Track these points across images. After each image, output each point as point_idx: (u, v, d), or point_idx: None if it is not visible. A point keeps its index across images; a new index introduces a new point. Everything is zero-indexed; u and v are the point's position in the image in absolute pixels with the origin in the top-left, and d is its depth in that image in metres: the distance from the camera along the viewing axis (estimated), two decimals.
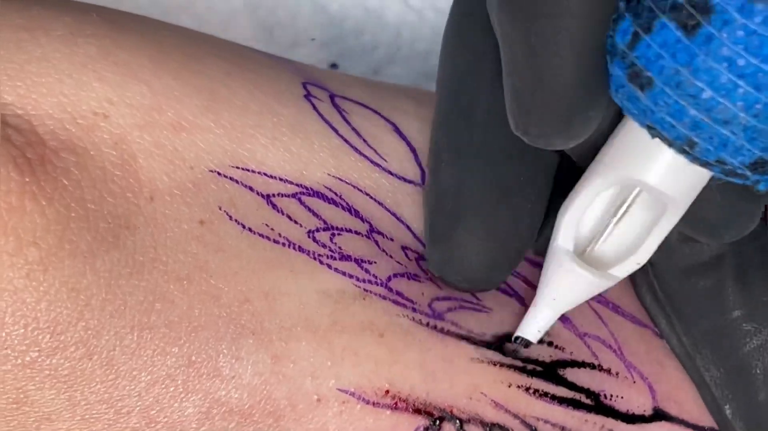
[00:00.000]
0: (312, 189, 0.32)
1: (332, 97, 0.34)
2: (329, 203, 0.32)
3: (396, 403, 0.30)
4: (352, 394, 0.30)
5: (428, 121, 0.34)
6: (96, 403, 0.29)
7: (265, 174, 0.31)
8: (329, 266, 0.31)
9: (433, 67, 0.45)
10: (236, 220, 0.30)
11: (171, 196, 0.30)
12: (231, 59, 0.33)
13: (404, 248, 0.32)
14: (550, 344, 0.32)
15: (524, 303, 0.33)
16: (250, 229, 0.30)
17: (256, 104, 0.32)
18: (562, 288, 0.31)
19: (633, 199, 0.30)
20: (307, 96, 0.33)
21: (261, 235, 0.30)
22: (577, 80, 0.27)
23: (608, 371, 0.33)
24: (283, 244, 0.31)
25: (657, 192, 0.29)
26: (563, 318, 0.33)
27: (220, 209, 0.30)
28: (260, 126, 0.32)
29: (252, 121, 0.32)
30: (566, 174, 0.32)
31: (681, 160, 0.27)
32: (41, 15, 0.31)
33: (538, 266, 0.33)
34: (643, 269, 0.33)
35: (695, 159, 0.27)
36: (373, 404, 0.30)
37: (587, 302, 0.33)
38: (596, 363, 0.33)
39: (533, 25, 0.27)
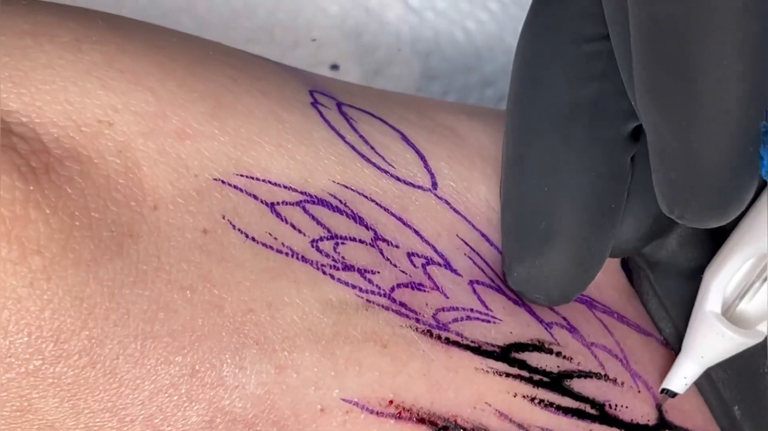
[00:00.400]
0: (316, 197, 0.32)
1: (339, 105, 0.34)
2: (334, 211, 0.32)
3: (400, 413, 0.30)
4: (356, 404, 0.30)
5: (434, 130, 0.34)
6: (99, 411, 0.29)
7: (270, 182, 0.31)
8: (332, 276, 0.31)
9: (433, 68, 0.45)
10: (239, 229, 0.30)
11: (174, 204, 0.30)
12: (237, 66, 0.33)
13: (410, 255, 0.32)
14: (558, 354, 0.32)
15: (534, 315, 0.33)
16: (253, 239, 0.30)
17: (262, 111, 0.32)
18: (711, 348, 0.32)
19: None
20: (314, 103, 0.33)
21: (264, 245, 0.30)
22: (736, 173, 0.28)
23: (614, 381, 0.33)
24: (287, 254, 0.31)
25: None
26: (571, 329, 0.33)
27: (223, 218, 0.30)
28: (265, 133, 0.32)
29: (257, 128, 0.32)
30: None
31: None
32: (46, 21, 0.31)
33: None
34: (645, 274, 0.34)
35: None
36: (377, 414, 0.30)
37: (593, 312, 0.33)
38: (603, 373, 0.33)
39: (693, 128, 0.27)
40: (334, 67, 0.45)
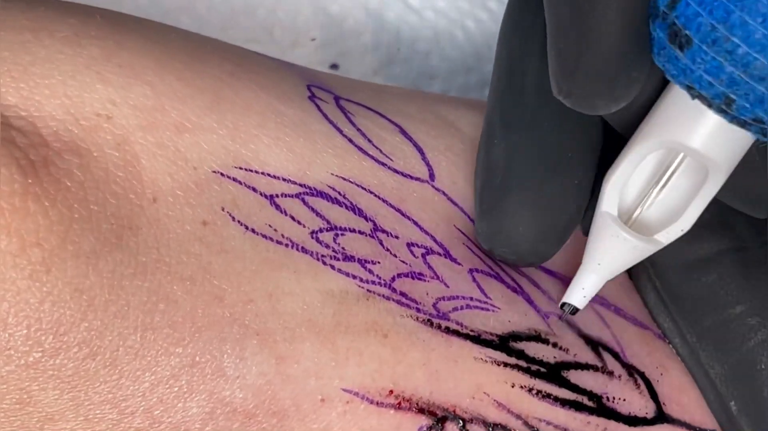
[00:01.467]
0: (315, 189, 0.32)
1: (337, 99, 0.34)
2: (333, 203, 0.32)
3: (400, 403, 0.30)
4: (356, 394, 0.30)
5: (432, 124, 0.35)
6: (100, 403, 0.29)
7: (269, 174, 0.31)
8: (332, 267, 0.31)
9: (432, 68, 0.46)
10: (239, 221, 0.30)
11: (174, 197, 0.30)
12: (235, 60, 0.33)
13: (410, 245, 0.32)
14: (554, 345, 0.32)
15: (532, 304, 0.33)
16: (253, 230, 0.30)
17: (260, 104, 0.32)
18: (608, 253, 0.31)
19: (677, 164, 0.30)
20: (312, 97, 0.33)
21: (264, 236, 0.31)
22: (622, 41, 0.28)
23: (611, 373, 0.33)
24: (287, 245, 0.31)
25: (700, 156, 0.29)
26: (567, 320, 0.33)
27: (223, 210, 0.30)
28: (263, 126, 0.32)
29: (255, 121, 0.32)
30: (612, 154, 0.33)
31: (723, 123, 0.28)
32: (46, 16, 0.31)
33: (551, 274, 0.34)
34: (644, 267, 0.33)
35: (734, 118, 0.28)
36: (377, 404, 0.30)
37: (590, 305, 0.33)
38: (599, 365, 0.33)
39: None
40: (334, 66, 0.45)
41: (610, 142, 0.33)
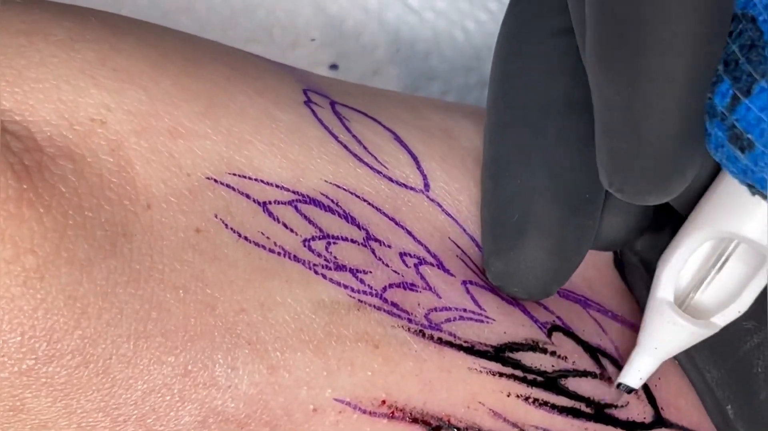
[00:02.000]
0: (308, 196, 0.32)
1: (333, 104, 0.34)
2: (326, 211, 0.32)
3: (393, 413, 0.30)
4: (348, 404, 0.30)
5: (427, 131, 0.34)
6: (92, 411, 0.28)
7: (262, 181, 0.31)
8: (324, 276, 0.31)
9: (432, 68, 0.45)
10: (232, 228, 0.30)
11: (167, 203, 0.30)
12: (232, 64, 0.33)
13: (403, 255, 0.32)
14: (552, 354, 0.32)
15: (529, 314, 0.33)
16: (246, 238, 0.30)
17: (255, 110, 0.32)
18: (665, 338, 0.31)
19: (732, 251, 0.31)
20: (308, 102, 0.33)
21: (257, 244, 0.30)
22: (678, 144, 0.27)
23: (609, 380, 0.33)
24: (279, 254, 0.31)
25: (756, 244, 0.29)
26: (566, 328, 0.33)
27: (216, 217, 0.30)
28: (258, 132, 0.32)
29: (250, 127, 0.32)
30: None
31: None
32: (41, 19, 0.31)
33: None
34: (641, 274, 0.33)
35: None
36: (370, 413, 0.30)
37: (587, 311, 0.33)
38: (598, 372, 0.33)
39: (636, 91, 0.27)
40: (333, 66, 0.45)
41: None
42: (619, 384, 0.32)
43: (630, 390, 0.32)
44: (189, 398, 0.29)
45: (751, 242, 0.29)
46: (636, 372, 0.32)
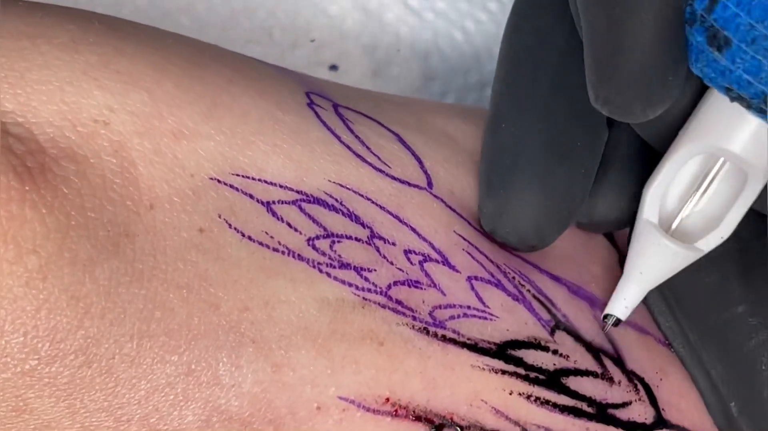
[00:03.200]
0: (312, 196, 0.32)
1: (336, 106, 0.34)
2: (330, 210, 0.32)
3: (396, 410, 0.30)
4: (353, 402, 0.30)
5: (430, 134, 0.35)
6: (96, 411, 0.29)
7: (265, 181, 0.31)
8: (328, 274, 0.31)
9: (432, 69, 0.45)
10: (236, 228, 0.30)
11: (171, 203, 0.30)
12: (233, 66, 0.33)
13: (407, 252, 0.32)
14: (554, 352, 0.32)
15: (532, 311, 0.33)
16: (249, 237, 0.30)
17: (258, 111, 0.32)
18: (650, 262, 0.31)
19: (716, 171, 0.31)
20: (310, 104, 0.33)
21: (260, 243, 0.30)
22: (658, 46, 0.28)
23: (611, 379, 0.33)
24: (283, 252, 0.31)
25: (740, 160, 0.30)
26: (569, 326, 0.33)
27: (219, 217, 0.30)
28: (261, 133, 0.32)
29: (253, 128, 0.32)
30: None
31: (762, 127, 0.29)
32: (44, 22, 0.31)
33: (557, 281, 0.34)
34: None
35: None
36: (374, 412, 0.30)
37: (593, 310, 0.33)
38: (600, 371, 0.33)
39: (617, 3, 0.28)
40: (333, 67, 0.45)
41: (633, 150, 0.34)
42: (606, 316, 0.32)
43: (617, 322, 0.32)
44: (193, 397, 0.29)
45: (734, 157, 0.30)
46: (622, 301, 0.32)
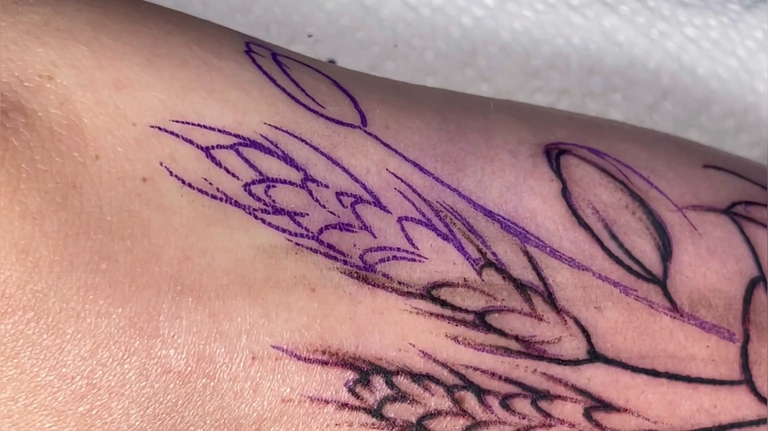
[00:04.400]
0: (249, 139, 0.32)
1: (274, 55, 0.34)
2: (265, 153, 0.32)
3: (327, 358, 0.30)
4: (285, 350, 0.30)
5: (369, 81, 0.35)
6: (42, 369, 0.28)
7: (204, 126, 0.31)
8: (263, 221, 0.31)
9: (428, 64, 0.45)
10: (176, 176, 0.30)
11: (114, 153, 0.30)
12: (172, 19, 0.33)
13: (339, 194, 0.32)
14: (482, 292, 0.32)
15: (462, 249, 0.32)
16: (189, 185, 0.30)
17: (195, 59, 0.32)
18: None
19: None
20: (248, 51, 0.33)
21: (200, 190, 0.30)
22: None
23: (539, 317, 0.32)
24: (221, 199, 0.31)
25: None
26: (499, 264, 0.32)
27: (161, 165, 0.30)
28: (198, 79, 0.32)
29: (191, 75, 0.32)
30: None
31: None
32: None
33: (484, 211, 0.33)
34: None
35: None
36: (305, 360, 0.30)
37: (524, 244, 0.33)
38: (527, 309, 0.32)
39: None
40: (331, 62, 0.45)
41: None
42: None
43: None
44: (134, 350, 0.29)
45: None
46: None
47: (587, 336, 0.32)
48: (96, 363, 0.29)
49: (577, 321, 0.32)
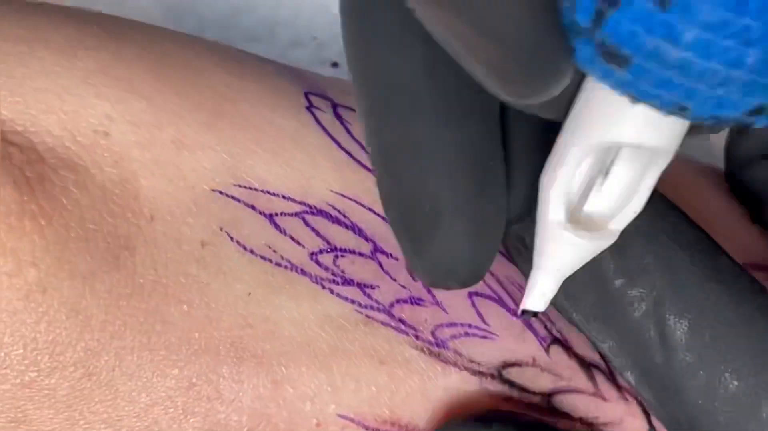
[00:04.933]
0: (316, 207, 0.31)
1: (335, 106, 0.33)
2: (333, 222, 0.31)
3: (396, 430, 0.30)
4: (352, 420, 0.30)
5: None
6: (95, 423, 0.28)
7: (268, 192, 0.31)
8: (331, 291, 0.31)
9: None
10: (238, 242, 0.30)
11: (172, 215, 0.30)
12: (232, 71, 0.33)
13: None
14: (549, 372, 0.32)
15: (531, 327, 0.33)
16: (252, 251, 0.30)
17: (257, 118, 0.32)
18: (565, 260, 0.29)
19: (615, 156, 0.28)
20: (309, 107, 0.33)
21: (263, 257, 0.30)
22: (531, 29, 0.23)
23: (603, 398, 0.33)
24: (286, 267, 0.30)
25: (640, 146, 0.27)
26: (563, 343, 0.33)
27: (221, 230, 0.30)
28: (261, 140, 0.31)
29: (253, 136, 0.31)
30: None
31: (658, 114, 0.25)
32: (41, 26, 0.30)
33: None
34: (518, 252, 0.32)
35: (691, 118, 0.24)
36: (373, 430, 0.30)
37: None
38: (591, 389, 0.33)
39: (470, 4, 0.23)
40: (335, 65, 0.45)
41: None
42: (524, 312, 0.30)
43: (536, 314, 0.30)
44: (192, 411, 0.29)
45: (634, 145, 0.26)
46: (540, 296, 0.30)
47: (647, 415, 0.33)
48: (151, 421, 0.29)
49: (638, 400, 0.33)
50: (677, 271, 0.30)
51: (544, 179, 0.29)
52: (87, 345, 0.28)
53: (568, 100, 0.28)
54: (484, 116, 0.29)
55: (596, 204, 0.29)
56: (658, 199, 0.31)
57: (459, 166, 0.28)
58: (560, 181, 0.28)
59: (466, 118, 0.29)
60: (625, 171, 0.28)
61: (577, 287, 0.31)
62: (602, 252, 0.30)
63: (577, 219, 0.29)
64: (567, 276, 0.30)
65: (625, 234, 0.30)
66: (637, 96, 0.24)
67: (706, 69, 0.23)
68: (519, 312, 0.30)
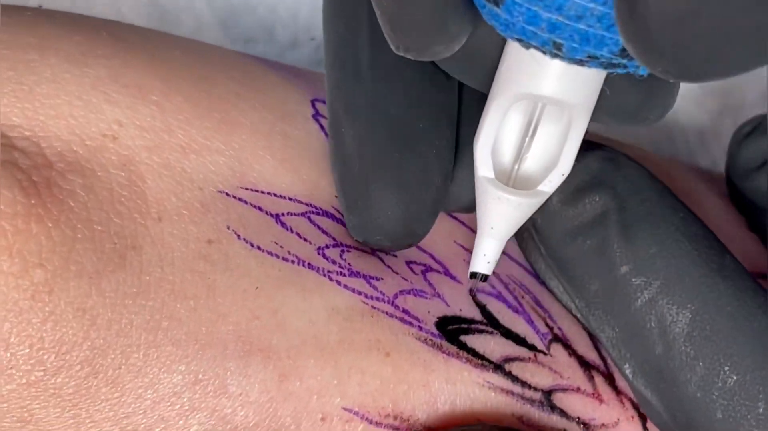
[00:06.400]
0: (321, 209, 0.32)
1: None
2: (337, 222, 0.32)
3: (398, 424, 0.31)
4: (356, 413, 0.30)
5: None
6: (101, 421, 0.29)
7: (275, 194, 0.31)
8: (338, 283, 0.31)
9: None
10: (245, 239, 0.30)
11: (179, 215, 0.30)
12: (240, 79, 0.33)
13: (409, 263, 0.32)
14: (549, 368, 0.32)
15: (531, 323, 0.33)
16: (259, 247, 0.30)
17: (265, 126, 0.32)
18: (497, 216, 0.30)
19: (539, 114, 0.30)
20: (315, 115, 0.34)
21: (270, 253, 0.31)
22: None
23: (601, 399, 0.33)
24: (293, 262, 0.31)
25: (555, 101, 0.28)
26: (563, 341, 0.33)
27: (228, 228, 0.30)
28: (269, 147, 0.32)
29: (261, 143, 0.32)
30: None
31: (565, 65, 0.27)
32: (51, 34, 0.31)
33: (548, 288, 0.34)
34: (530, 235, 0.33)
35: (570, 59, 0.27)
36: (376, 424, 0.30)
37: (581, 325, 0.33)
38: (590, 390, 0.33)
39: None
40: None
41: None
42: (473, 274, 0.31)
43: (484, 278, 0.31)
44: (199, 406, 0.29)
45: (549, 99, 0.28)
46: (482, 258, 0.31)
47: (643, 420, 0.33)
48: (158, 417, 0.29)
49: (633, 404, 0.33)
50: (682, 263, 0.31)
51: (475, 137, 0.30)
52: (93, 344, 0.28)
53: (490, 69, 0.29)
54: (429, 89, 0.31)
55: (527, 164, 0.30)
56: (668, 194, 0.32)
57: (384, 130, 0.31)
58: (484, 135, 0.30)
59: (400, 87, 0.31)
60: (550, 129, 0.30)
61: (582, 272, 0.32)
62: (609, 239, 0.31)
63: (510, 180, 0.30)
64: (504, 237, 0.31)
65: (634, 222, 0.31)
66: (519, 36, 0.26)
67: (565, 1, 0.25)
68: (469, 275, 0.32)
